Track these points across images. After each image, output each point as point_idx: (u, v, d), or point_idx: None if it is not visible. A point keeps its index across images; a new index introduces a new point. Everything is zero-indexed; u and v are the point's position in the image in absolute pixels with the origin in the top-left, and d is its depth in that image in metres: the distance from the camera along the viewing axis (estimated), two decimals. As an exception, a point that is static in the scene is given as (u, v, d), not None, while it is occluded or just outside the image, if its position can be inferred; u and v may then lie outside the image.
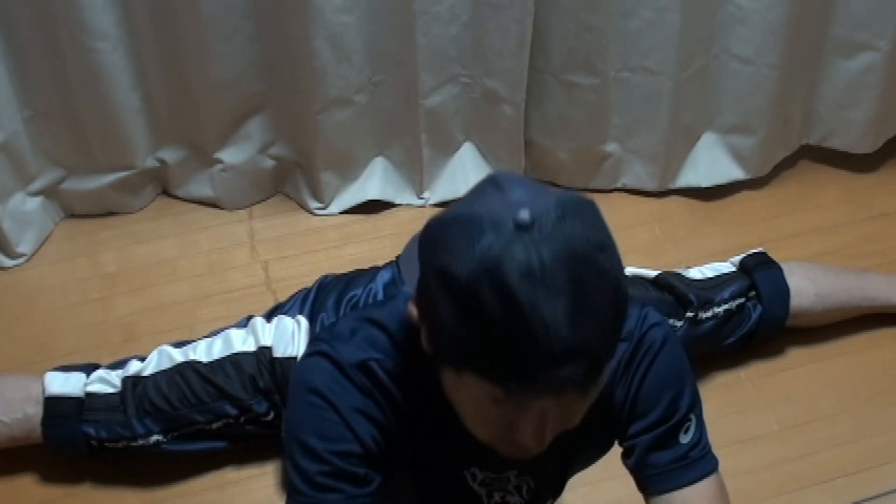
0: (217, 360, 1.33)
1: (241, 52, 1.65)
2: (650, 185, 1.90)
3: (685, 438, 1.00)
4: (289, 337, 1.32)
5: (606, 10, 1.66)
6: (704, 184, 1.89)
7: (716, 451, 1.41)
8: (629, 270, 1.41)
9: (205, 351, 1.35)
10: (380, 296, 1.32)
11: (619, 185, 1.91)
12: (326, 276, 1.42)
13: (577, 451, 1.04)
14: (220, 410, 1.31)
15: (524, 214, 0.76)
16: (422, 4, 1.61)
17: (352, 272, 1.42)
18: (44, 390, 1.32)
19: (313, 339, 1.21)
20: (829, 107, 1.87)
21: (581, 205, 0.80)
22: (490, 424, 0.84)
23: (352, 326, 0.96)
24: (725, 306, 1.45)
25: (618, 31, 1.69)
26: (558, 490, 1.12)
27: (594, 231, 0.79)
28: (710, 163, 1.89)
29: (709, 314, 1.43)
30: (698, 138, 1.88)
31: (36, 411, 1.32)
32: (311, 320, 1.34)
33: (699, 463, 1.01)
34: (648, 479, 1.00)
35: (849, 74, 1.81)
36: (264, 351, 1.32)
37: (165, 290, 1.70)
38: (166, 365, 1.35)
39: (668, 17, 1.67)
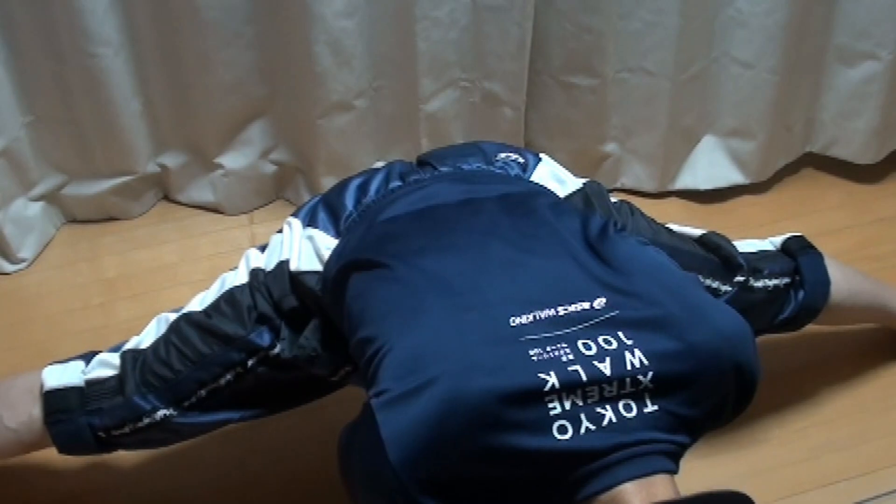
0: (212, 303, 1.21)
1: (241, 58, 1.65)
2: (649, 187, 1.90)
3: None
4: (279, 247, 1.22)
5: (605, 12, 1.67)
6: (703, 186, 1.89)
7: (717, 455, 1.43)
8: (673, 226, 1.35)
9: (199, 300, 1.24)
10: (393, 177, 1.23)
11: (618, 185, 1.91)
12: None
13: None
14: (225, 359, 1.18)
15: None
16: (422, 9, 1.61)
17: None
18: (42, 386, 1.21)
19: None
20: (832, 115, 1.87)
21: None
22: None
23: None
24: (776, 281, 1.32)
25: (617, 33, 1.70)
26: None
27: None
28: (710, 166, 1.89)
29: (760, 284, 1.31)
30: (698, 141, 1.89)
31: (40, 411, 1.20)
32: (308, 217, 1.24)
33: None
34: None
35: (851, 83, 1.81)
36: (257, 273, 1.20)
37: (166, 296, 1.70)
38: (164, 329, 1.23)
39: (667, 19, 1.67)
